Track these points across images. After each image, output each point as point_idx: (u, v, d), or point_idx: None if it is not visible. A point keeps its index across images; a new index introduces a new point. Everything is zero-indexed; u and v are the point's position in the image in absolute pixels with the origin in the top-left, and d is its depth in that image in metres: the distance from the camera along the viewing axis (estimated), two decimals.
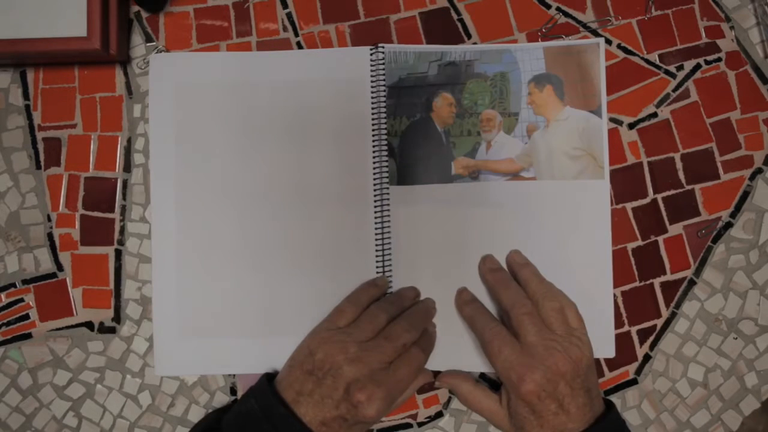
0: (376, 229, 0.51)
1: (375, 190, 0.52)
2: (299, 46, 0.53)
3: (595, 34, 0.53)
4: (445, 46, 0.53)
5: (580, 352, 0.44)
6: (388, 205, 0.52)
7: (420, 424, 0.52)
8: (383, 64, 0.52)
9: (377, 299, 0.50)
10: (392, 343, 0.45)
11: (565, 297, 0.47)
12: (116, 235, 0.52)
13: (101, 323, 0.52)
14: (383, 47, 0.52)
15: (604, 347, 0.51)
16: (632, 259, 0.52)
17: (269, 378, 0.47)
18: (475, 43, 0.53)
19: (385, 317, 0.46)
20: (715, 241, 0.53)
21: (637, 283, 0.52)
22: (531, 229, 0.52)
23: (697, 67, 0.53)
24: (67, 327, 0.52)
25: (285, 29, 0.53)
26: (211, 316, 0.51)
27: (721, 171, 0.53)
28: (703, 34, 0.53)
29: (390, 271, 0.51)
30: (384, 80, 0.52)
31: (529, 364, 0.43)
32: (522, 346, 0.44)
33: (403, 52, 0.52)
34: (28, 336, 0.52)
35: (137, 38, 0.53)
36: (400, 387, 0.45)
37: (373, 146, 0.52)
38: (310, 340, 0.47)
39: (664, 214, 0.53)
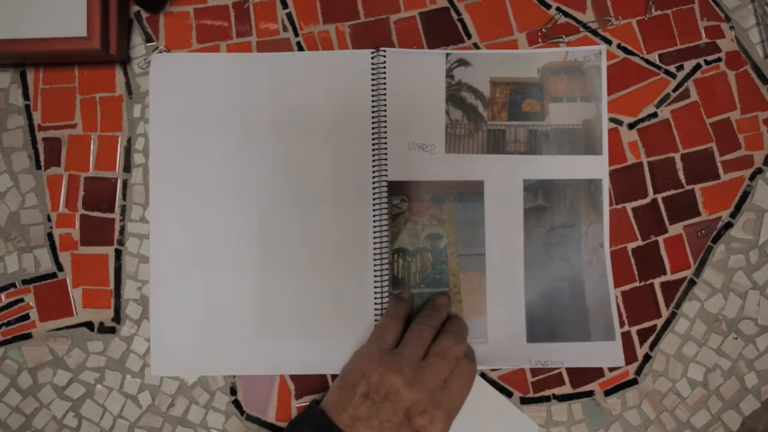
0: (374, 232, 0.51)
1: (375, 193, 0.52)
2: (299, 46, 0.53)
3: (595, 34, 0.53)
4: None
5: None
6: (386, 207, 0.52)
7: None
8: (384, 67, 0.52)
9: (409, 312, 0.50)
10: (445, 359, 0.44)
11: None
12: (116, 235, 0.52)
13: (101, 323, 0.52)
14: (384, 51, 0.52)
15: (611, 354, 0.51)
16: (632, 259, 0.52)
17: (317, 402, 0.46)
18: (475, 44, 0.53)
19: (430, 332, 0.46)
20: (715, 241, 0.53)
21: (637, 283, 0.52)
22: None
23: (697, 67, 0.53)
24: (67, 327, 0.52)
25: (285, 29, 0.53)
26: (209, 316, 0.51)
27: (721, 171, 0.53)
28: (703, 34, 0.53)
29: (387, 272, 0.51)
30: (384, 83, 0.52)
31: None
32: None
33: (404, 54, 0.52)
34: (28, 336, 0.52)
35: (137, 38, 0.53)
36: (458, 403, 0.45)
37: (373, 148, 0.52)
38: (361, 362, 0.46)
39: (664, 214, 0.53)
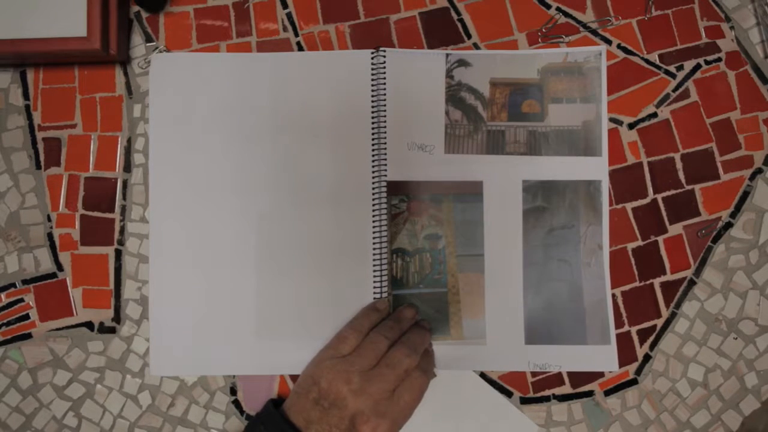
0: (374, 232, 0.51)
1: (374, 193, 0.52)
2: (299, 46, 0.53)
3: (595, 33, 0.53)
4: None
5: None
6: (386, 207, 0.52)
7: None
8: (384, 67, 0.52)
9: (378, 323, 0.49)
10: (394, 371, 0.45)
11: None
12: (116, 235, 0.52)
13: (101, 323, 0.52)
14: (384, 51, 0.52)
15: (606, 358, 0.51)
16: (632, 259, 0.52)
17: (275, 404, 0.47)
18: (475, 44, 0.53)
19: (386, 343, 0.46)
20: (715, 241, 0.53)
21: (637, 283, 0.52)
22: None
23: (697, 67, 0.53)
24: (67, 327, 0.52)
25: (285, 29, 0.53)
26: (209, 316, 0.51)
27: (721, 171, 0.53)
28: (703, 34, 0.53)
29: (386, 272, 0.51)
30: (384, 84, 0.52)
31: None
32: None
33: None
34: (28, 336, 0.52)
35: (137, 38, 0.53)
36: (404, 413, 0.45)
37: (373, 148, 0.52)
38: (313, 369, 0.47)
39: (664, 214, 0.53)
